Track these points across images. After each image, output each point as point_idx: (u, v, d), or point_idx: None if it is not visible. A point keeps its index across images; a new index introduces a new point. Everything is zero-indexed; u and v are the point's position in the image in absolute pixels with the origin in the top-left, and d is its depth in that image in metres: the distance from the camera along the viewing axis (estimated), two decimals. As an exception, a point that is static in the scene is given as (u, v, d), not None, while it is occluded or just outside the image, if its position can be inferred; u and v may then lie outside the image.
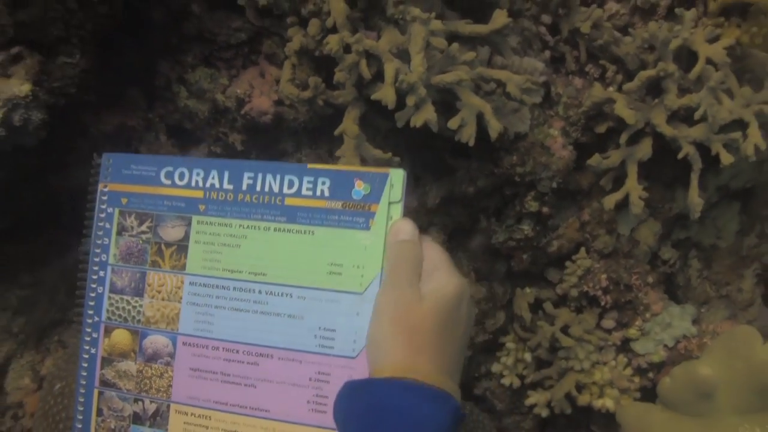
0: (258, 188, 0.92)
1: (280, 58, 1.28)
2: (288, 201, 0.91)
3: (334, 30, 1.13)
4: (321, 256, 0.90)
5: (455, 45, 1.09)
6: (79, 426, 0.98)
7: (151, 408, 0.96)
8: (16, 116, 1.15)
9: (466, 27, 1.16)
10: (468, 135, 1.12)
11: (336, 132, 1.14)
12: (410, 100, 1.07)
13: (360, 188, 0.90)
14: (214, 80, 1.29)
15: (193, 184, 0.94)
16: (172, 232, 0.95)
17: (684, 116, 1.31)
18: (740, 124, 1.30)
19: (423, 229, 0.94)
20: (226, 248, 0.93)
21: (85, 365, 0.98)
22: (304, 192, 0.91)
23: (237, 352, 0.92)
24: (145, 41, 1.31)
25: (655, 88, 1.33)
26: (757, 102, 1.30)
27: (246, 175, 0.93)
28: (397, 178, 0.89)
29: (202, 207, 0.94)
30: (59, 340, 1.55)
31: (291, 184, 0.91)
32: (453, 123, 1.11)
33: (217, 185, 0.93)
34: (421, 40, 1.08)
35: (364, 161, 1.16)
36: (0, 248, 1.48)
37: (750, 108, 1.30)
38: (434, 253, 0.90)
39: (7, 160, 1.21)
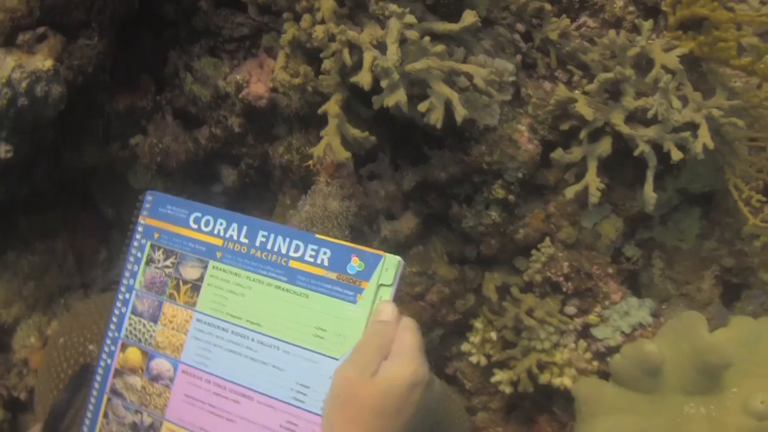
0: (269, 246, 1.06)
1: (277, 51, 1.48)
2: (292, 263, 1.05)
3: (322, 22, 1.33)
4: (310, 319, 1.03)
5: (427, 38, 1.29)
6: (88, 423, 1.16)
7: (148, 421, 1.12)
8: (38, 88, 1.36)
9: (439, 25, 1.36)
10: (436, 118, 1.31)
11: (320, 111, 1.33)
12: (384, 83, 1.27)
13: (355, 264, 1.02)
14: (217, 68, 1.50)
15: (215, 232, 1.09)
16: (190, 271, 1.11)
17: (641, 118, 1.50)
18: (694, 127, 1.49)
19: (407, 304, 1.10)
20: (233, 295, 1.07)
21: (101, 372, 1.15)
22: (306, 258, 1.04)
23: (224, 388, 1.06)
24: (157, 32, 1.52)
25: (615, 92, 1.52)
26: (708, 107, 1.49)
27: (261, 233, 1.07)
28: (391, 263, 1.00)
29: (219, 254, 1.09)
30: (65, 304, 1.75)
31: (297, 249, 1.05)
32: (422, 106, 1.30)
33: (235, 237, 1.08)
34: (396, 32, 1.27)
35: (345, 141, 1.35)
36: (14, 218, 1.68)
37: (701, 112, 1.48)
38: (405, 337, 0.98)
39: (28, 132, 1.41)
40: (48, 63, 1.37)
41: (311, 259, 1.04)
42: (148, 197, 1.16)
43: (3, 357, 1.74)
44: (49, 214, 1.71)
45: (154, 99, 1.55)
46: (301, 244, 1.05)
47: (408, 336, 0.98)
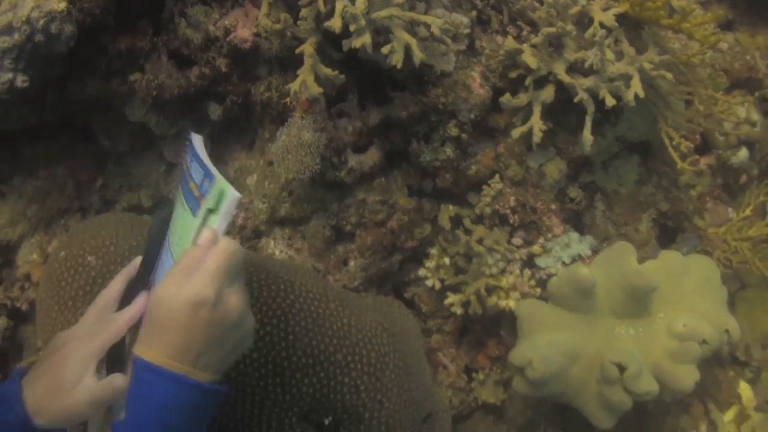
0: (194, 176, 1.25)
1: (261, 1, 1.79)
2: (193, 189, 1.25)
3: (302, -24, 1.65)
4: (185, 231, 1.24)
5: (392, -9, 1.61)
6: None
7: None
8: (53, 26, 1.67)
9: (402, -20, 1.68)
10: (396, 59, 1.62)
11: (297, 51, 1.65)
12: (352, 28, 1.58)
13: (206, 185, 1.20)
14: (208, 15, 1.80)
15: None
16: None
17: (581, 69, 1.82)
18: (628, 78, 1.81)
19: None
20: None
21: None
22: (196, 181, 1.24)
23: None
24: (155, -19, 1.84)
25: (558, 46, 1.85)
26: (641, 61, 1.81)
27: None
28: (220, 192, 1.17)
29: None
30: (65, 225, 2.06)
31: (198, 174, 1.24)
32: (385, 49, 1.62)
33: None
34: (364, -16, 1.59)
35: (318, 78, 1.66)
36: (20, 146, 1.99)
37: (634, 65, 1.81)
38: (208, 260, 1.16)
39: (41, 66, 1.72)
40: (62, 5, 1.67)
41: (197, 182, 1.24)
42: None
43: (7, 271, 2.05)
44: (51, 143, 2.01)
45: (152, 41, 1.85)
46: (200, 172, 1.23)
47: (210, 258, 1.17)
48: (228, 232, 1.25)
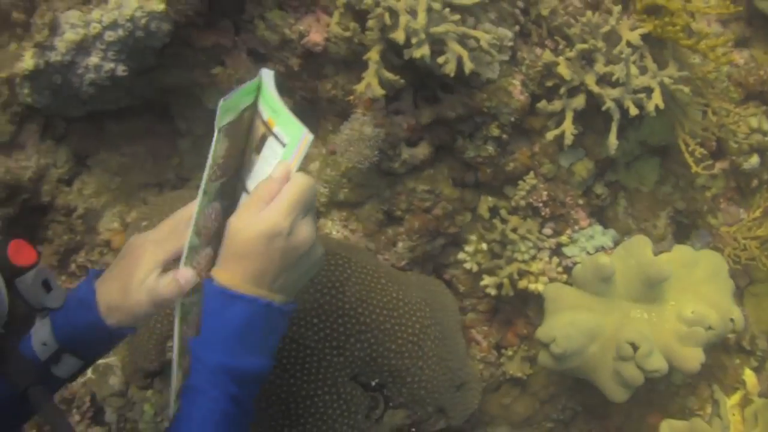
0: None
1: (331, 10, 2.21)
2: None
3: (370, -9, 2.07)
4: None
5: (447, 9, 2.03)
6: None
7: None
8: (153, 24, 2.11)
9: (456, 0, 2.11)
10: (450, 69, 2.04)
11: (364, 57, 2.07)
12: (413, 40, 2.01)
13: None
14: (284, 19, 2.23)
15: None
16: None
17: (609, 81, 2.24)
18: (650, 90, 2.23)
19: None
20: None
21: None
22: None
23: None
24: (239, -13, 2.28)
25: (590, 60, 2.27)
26: (662, 75, 2.23)
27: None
28: (294, 132, 1.39)
29: None
30: (143, 198, 2.50)
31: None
32: (441, 59, 2.04)
33: None
34: (425, 2, 2.01)
35: (380, 81, 2.08)
36: (108, 124, 2.43)
37: (656, 79, 2.23)
38: (283, 191, 1.34)
39: (138, 56, 2.16)
40: (161, 6, 2.11)
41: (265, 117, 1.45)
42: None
43: (89, 237, 2.48)
44: (134, 123, 2.44)
45: (233, 40, 2.28)
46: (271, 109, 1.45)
47: (285, 191, 1.34)
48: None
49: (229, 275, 1.36)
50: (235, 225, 1.38)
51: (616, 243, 2.47)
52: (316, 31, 2.22)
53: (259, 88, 1.50)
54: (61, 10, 2.11)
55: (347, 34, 2.12)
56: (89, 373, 2.47)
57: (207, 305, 1.39)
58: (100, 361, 2.46)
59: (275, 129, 1.45)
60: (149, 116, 2.48)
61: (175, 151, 2.54)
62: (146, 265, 1.47)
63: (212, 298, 1.38)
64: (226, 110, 1.42)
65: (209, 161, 1.43)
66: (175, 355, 1.53)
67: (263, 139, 1.48)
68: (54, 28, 2.10)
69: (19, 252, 1.33)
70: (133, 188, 2.51)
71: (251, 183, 1.48)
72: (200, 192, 1.44)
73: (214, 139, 1.41)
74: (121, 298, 1.47)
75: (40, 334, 1.49)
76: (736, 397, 2.63)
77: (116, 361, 2.50)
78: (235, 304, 1.36)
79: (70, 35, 2.08)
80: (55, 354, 1.50)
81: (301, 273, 1.42)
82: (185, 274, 1.45)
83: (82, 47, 2.11)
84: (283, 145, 1.43)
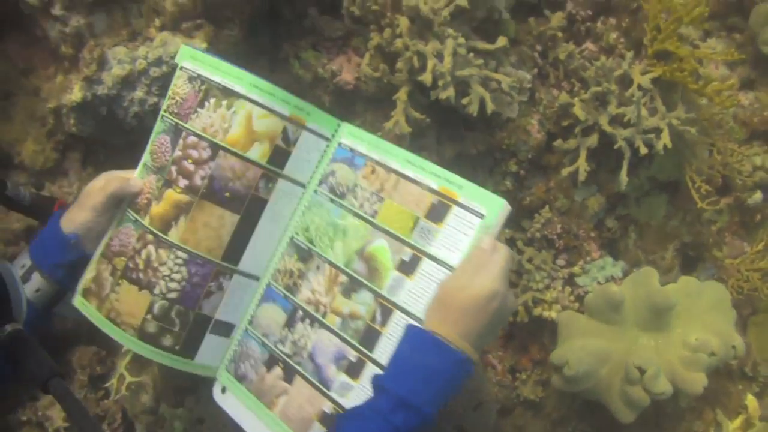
0: None
1: (362, 51, 2.41)
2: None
3: (400, 36, 2.27)
4: None
5: (471, 54, 2.23)
6: None
7: None
8: (196, 63, 2.32)
9: (480, 44, 2.31)
10: (473, 109, 2.24)
11: (393, 97, 2.27)
12: (440, 82, 2.21)
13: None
14: (318, 59, 2.43)
15: None
16: None
17: (621, 121, 2.44)
18: (659, 131, 2.43)
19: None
20: None
21: None
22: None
23: None
24: (276, 29, 2.47)
25: (603, 101, 2.47)
26: (670, 117, 2.43)
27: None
28: (499, 205, 1.74)
29: None
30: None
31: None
32: (465, 100, 2.24)
33: None
34: (451, 47, 2.21)
35: (407, 119, 2.28)
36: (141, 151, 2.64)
37: (665, 120, 2.43)
38: (495, 259, 1.64)
39: (181, 93, 2.37)
40: (203, 45, 2.31)
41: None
42: None
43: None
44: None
45: (268, 77, 2.49)
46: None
47: (497, 259, 1.64)
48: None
49: (446, 328, 1.61)
50: (452, 285, 1.67)
51: (626, 274, 2.66)
52: (348, 71, 2.42)
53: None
54: (108, 46, 2.33)
55: (377, 74, 2.32)
56: (123, 390, 2.66)
57: (414, 346, 1.65)
58: (133, 379, 2.65)
59: (461, 200, 1.79)
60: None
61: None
62: (91, 201, 1.96)
63: (421, 342, 1.64)
64: (191, 57, 2.02)
65: (168, 92, 2.02)
66: (97, 251, 2.02)
67: (441, 209, 1.80)
68: (102, 63, 2.32)
69: None
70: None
71: (437, 249, 1.77)
72: (158, 118, 2.03)
73: (175, 76, 2.02)
74: (76, 211, 1.96)
75: (20, 259, 1.93)
76: (738, 421, 2.81)
77: (148, 380, 2.69)
78: (444, 353, 1.59)
79: (117, 70, 2.30)
80: (27, 272, 1.89)
81: (495, 334, 1.75)
82: (135, 181, 2.01)
83: (128, 81, 2.32)
84: (480, 216, 1.74)
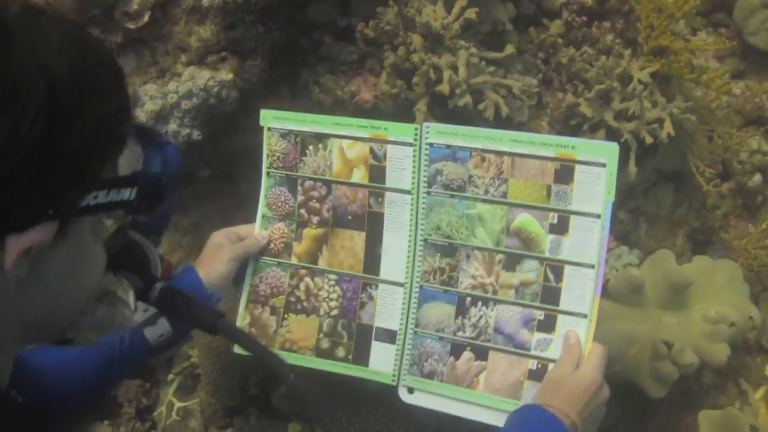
0: None
1: (377, 71, 2.66)
2: None
3: (415, 52, 2.53)
4: None
5: (483, 62, 2.49)
6: None
7: None
8: (223, 92, 2.56)
9: (490, 54, 2.57)
10: (489, 113, 2.49)
11: (414, 109, 2.52)
12: (457, 91, 2.46)
13: None
14: (336, 83, 2.68)
15: None
16: None
17: (625, 115, 2.69)
18: (661, 121, 2.68)
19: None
20: None
21: None
22: None
23: None
24: (294, 58, 2.72)
25: (607, 98, 2.73)
26: (670, 107, 2.68)
27: None
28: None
29: None
30: (214, 253, 2.93)
31: None
32: (482, 106, 2.50)
33: None
34: (465, 58, 2.47)
35: (428, 129, 2.53)
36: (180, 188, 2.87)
37: (666, 111, 2.68)
38: (594, 354, 1.99)
39: (209, 122, 2.61)
40: (230, 76, 2.57)
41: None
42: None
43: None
44: (205, 185, 2.89)
45: (291, 105, 2.73)
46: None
47: (596, 354, 2.01)
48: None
49: (557, 404, 1.91)
50: (556, 374, 2.02)
51: (641, 261, 2.90)
52: (366, 91, 2.68)
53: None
54: (138, 85, 2.58)
55: (395, 90, 2.58)
56: (173, 415, 2.87)
57: (533, 419, 1.93)
58: (180, 404, 2.86)
59: (580, 158, 2.10)
60: (214, 178, 2.91)
61: (238, 210, 2.96)
62: (227, 254, 2.21)
63: (540, 416, 1.92)
64: (273, 118, 2.33)
65: (264, 152, 2.35)
66: (243, 299, 2.36)
67: (566, 171, 2.11)
68: (134, 101, 2.55)
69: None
70: (203, 244, 2.92)
71: (578, 205, 2.10)
72: (263, 175, 2.36)
73: (264, 136, 2.34)
74: (216, 265, 2.18)
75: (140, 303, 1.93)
76: (760, 392, 3.04)
77: (196, 405, 2.89)
78: (554, 422, 1.88)
79: (150, 105, 2.54)
80: (153, 317, 2.00)
81: (594, 420, 2.01)
82: (262, 233, 2.33)
83: (161, 116, 2.56)
84: (603, 165, 2.08)
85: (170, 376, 3.00)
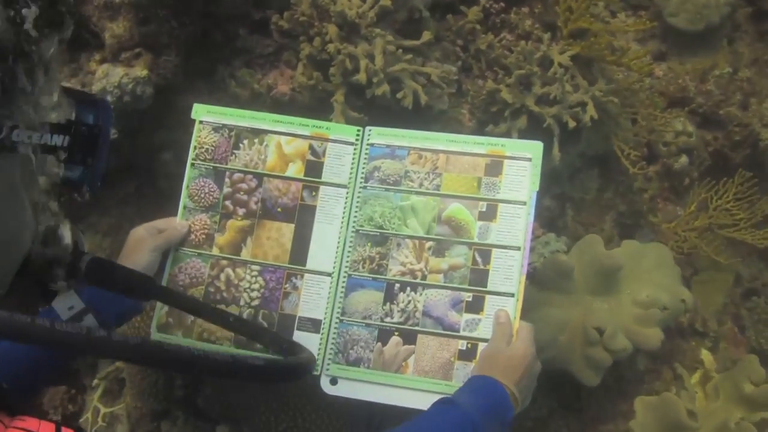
0: None
1: (293, 64, 2.66)
2: None
3: (330, 42, 2.53)
4: None
5: (400, 50, 2.50)
6: None
7: None
8: (138, 89, 2.54)
9: (407, 42, 2.57)
10: (408, 102, 2.49)
11: (331, 100, 2.52)
12: (374, 80, 2.46)
13: None
14: (252, 76, 2.67)
15: None
16: None
17: (546, 100, 2.71)
18: (584, 105, 2.71)
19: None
20: None
21: None
22: None
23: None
24: (210, 52, 2.72)
25: (527, 84, 2.75)
26: (592, 90, 2.71)
27: None
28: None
29: None
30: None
31: None
32: (400, 95, 2.49)
33: None
34: (381, 47, 2.47)
35: (346, 119, 2.53)
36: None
37: (588, 94, 2.71)
38: (523, 331, 2.16)
39: (125, 120, 2.59)
40: (144, 72, 2.55)
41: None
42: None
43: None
44: (122, 185, 2.87)
45: (207, 99, 2.70)
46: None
47: (525, 330, 2.18)
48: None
49: (496, 376, 2.07)
50: (491, 350, 2.17)
51: (569, 248, 2.92)
52: (283, 83, 2.67)
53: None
54: (49, 87, 2.54)
55: (311, 82, 2.57)
56: (99, 421, 2.84)
57: (478, 386, 2.08)
58: (107, 410, 2.84)
59: (509, 153, 2.33)
60: (134, 177, 2.89)
61: (159, 210, 2.93)
62: (148, 246, 2.27)
63: (483, 386, 2.07)
64: (207, 111, 2.42)
65: (192, 144, 2.42)
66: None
67: (495, 165, 2.32)
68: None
69: None
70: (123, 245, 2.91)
71: (506, 194, 2.30)
72: (187, 167, 2.41)
73: (195, 128, 2.42)
74: (136, 256, 2.23)
75: (66, 301, 2.01)
76: (696, 377, 3.07)
77: (122, 410, 2.87)
78: (497, 390, 2.04)
79: (63, 107, 2.51)
80: (79, 314, 2.01)
81: (530, 384, 2.15)
82: (182, 223, 2.38)
83: (74, 116, 2.53)
84: (528, 159, 2.31)
85: (95, 381, 2.97)
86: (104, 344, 1.24)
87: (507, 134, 2.73)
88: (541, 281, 2.78)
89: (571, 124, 2.65)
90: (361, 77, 2.46)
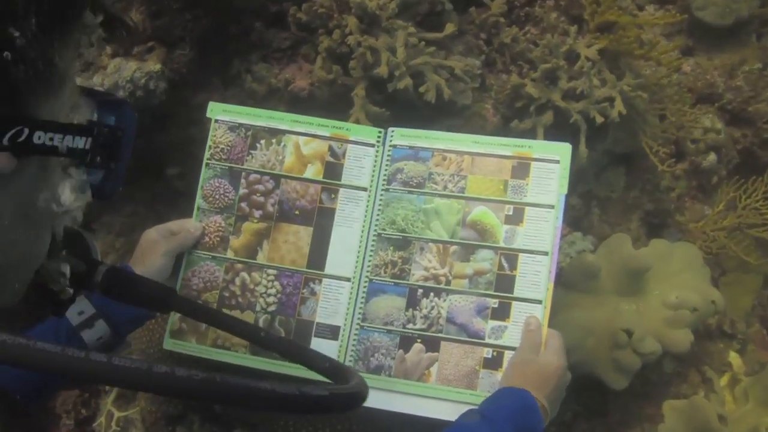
0: None
1: (311, 58, 2.59)
2: None
3: (350, 35, 2.46)
4: None
5: (422, 43, 2.42)
6: None
7: None
8: (151, 83, 2.47)
9: (429, 34, 2.50)
10: (431, 96, 2.42)
11: (352, 94, 2.45)
12: (396, 73, 2.39)
13: None
14: (269, 71, 2.60)
15: None
16: None
17: (573, 95, 2.64)
18: (611, 100, 2.63)
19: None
20: None
21: None
22: None
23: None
24: (225, 46, 2.64)
25: (553, 78, 2.67)
26: (620, 85, 2.63)
27: None
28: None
29: None
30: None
31: None
32: (423, 89, 2.42)
33: None
34: (403, 39, 2.40)
35: (367, 115, 2.46)
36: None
37: (616, 89, 2.63)
38: (554, 340, 2.11)
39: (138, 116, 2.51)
40: (157, 67, 2.48)
41: None
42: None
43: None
44: (137, 184, 2.80)
45: (223, 95, 2.64)
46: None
47: (555, 339, 2.12)
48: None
49: (525, 386, 2.01)
50: (521, 359, 2.12)
51: (595, 247, 2.85)
52: (301, 78, 2.60)
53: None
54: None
55: (330, 76, 2.50)
56: (112, 426, 2.77)
57: (509, 398, 2.00)
58: (120, 414, 2.77)
59: (536, 155, 2.29)
60: (147, 177, 2.82)
61: (173, 208, 2.87)
62: (161, 249, 2.22)
63: (514, 394, 2.01)
64: (223, 110, 2.36)
65: (207, 143, 2.36)
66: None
67: (522, 168, 2.27)
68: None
69: None
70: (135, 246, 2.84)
71: (533, 197, 2.26)
72: (202, 167, 2.36)
73: (210, 127, 2.35)
74: (150, 260, 2.19)
75: (76, 306, 1.98)
76: (724, 379, 2.99)
77: (136, 414, 2.80)
78: (529, 399, 1.98)
79: (75, 101, 2.44)
80: (89, 319, 2.00)
81: (560, 397, 2.11)
82: (195, 225, 2.31)
83: (86, 111, 2.46)
84: (556, 162, 2.26)
85: (109, 385, 2.90)
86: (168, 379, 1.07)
87: (532, 130, 2.65)
88: (567, 282, 2.70)
89: (599, 119, 2.57)
90: (382, 70, 2.39)
